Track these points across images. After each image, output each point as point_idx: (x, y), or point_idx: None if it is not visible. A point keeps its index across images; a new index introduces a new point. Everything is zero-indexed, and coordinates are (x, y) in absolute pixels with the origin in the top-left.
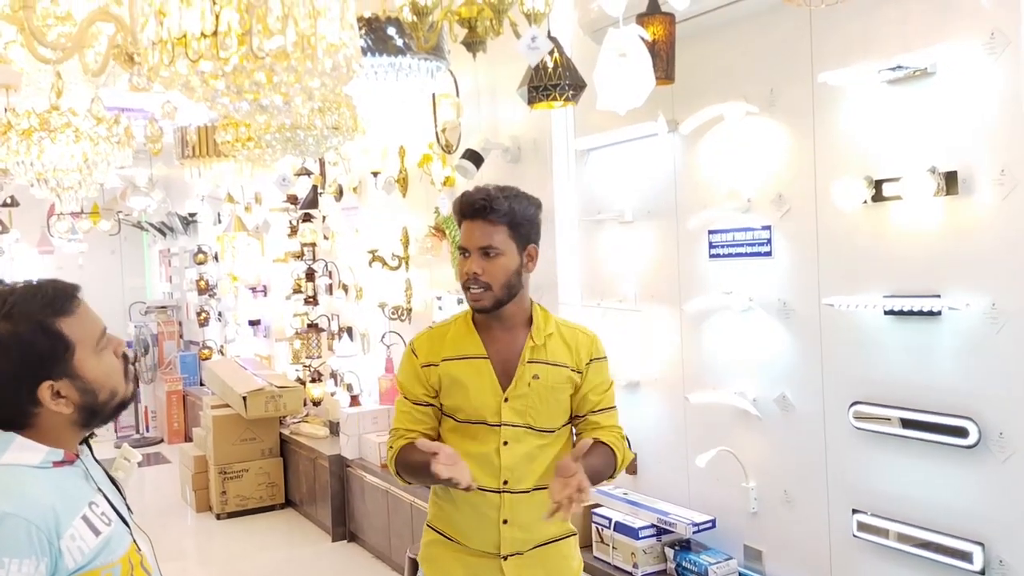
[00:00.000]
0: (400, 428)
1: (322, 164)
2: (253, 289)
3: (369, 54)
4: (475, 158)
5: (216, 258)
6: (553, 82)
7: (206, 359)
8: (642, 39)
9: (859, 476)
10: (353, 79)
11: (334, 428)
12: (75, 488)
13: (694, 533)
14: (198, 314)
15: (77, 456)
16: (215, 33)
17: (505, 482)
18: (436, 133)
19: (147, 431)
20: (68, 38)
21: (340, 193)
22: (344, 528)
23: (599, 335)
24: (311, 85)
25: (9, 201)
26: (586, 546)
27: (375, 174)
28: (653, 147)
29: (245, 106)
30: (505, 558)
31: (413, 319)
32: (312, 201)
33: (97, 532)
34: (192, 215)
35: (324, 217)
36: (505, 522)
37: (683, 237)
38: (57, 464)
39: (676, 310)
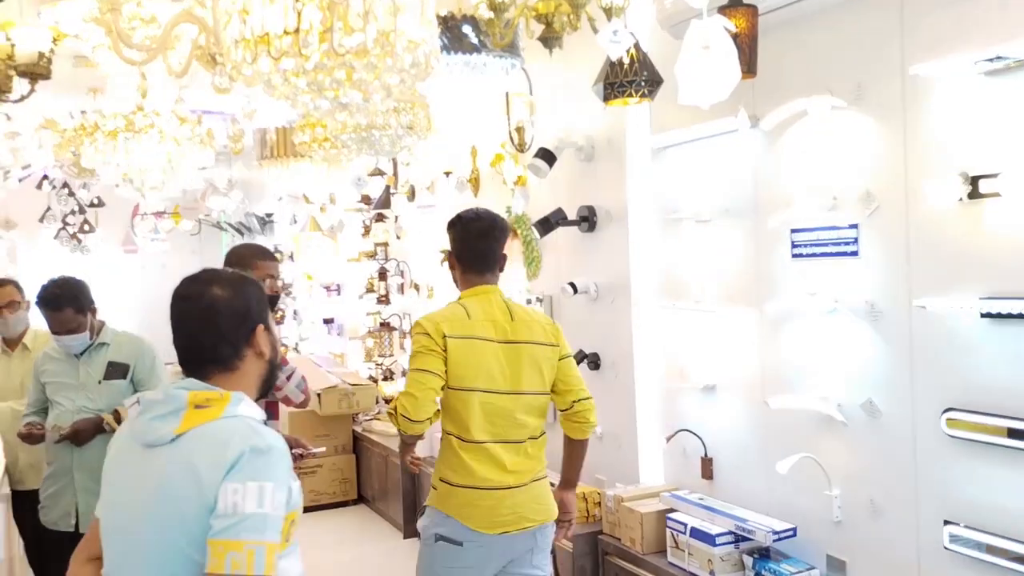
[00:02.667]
0: None
1: (395, 164)
2: (327, 288)
3: (444, 52)
4: (548, 157)
5: (292, 258)
6: (629, 78)
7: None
8: (727, 30)
9: (952, 486)
10: (432, 75)
11: None
12: None
13: (774, 541)
14: (274, 313)
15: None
16: (297, 31)
17: None
18: (509, 132)
19: None
20: (153, 40)
21: (413, 193)
22: (415, 526)
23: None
24: (390, 82)
25: (96, 202)
26: (660, 551)
27: (447, 174)
28: (733, 143)
29: (325, 104)
30: None
31: None
32: (385, 201)
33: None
34: (269, 215)
35: (396, 217)
36: None
37: (763, 236)
38: (260, 423)
39: (755, 312)
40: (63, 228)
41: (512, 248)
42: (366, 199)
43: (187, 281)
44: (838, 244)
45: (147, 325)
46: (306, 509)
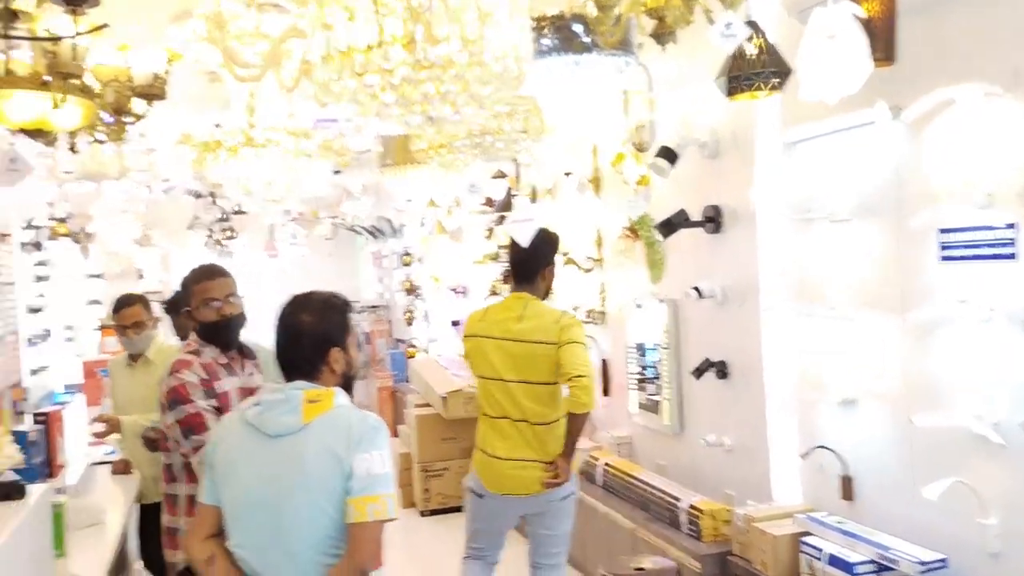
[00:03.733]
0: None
1: (517, 166)
2: (454, 290)
3: (554, 53)
4: (669, 155)
5: (420, 260)
6: (755, 70)
7: (411, 357)
8: (856, 17)
9: None
10: (523, 83)
11: None
12: None
13: (921, 573)
14: (405, 314)
15: None
16: (380, 44)
17: None
18: (628, 131)
19: None
20: (262, 56)
21: (534, 195)
22: None
23: None
24: (481, 92)
25: (238, 209)
26: (795, 575)
27: (568, 175)
28: (872, 137)
29: (416, 119)
30: None
31: (607, 323)
32: (507, 204)
33: None
34: (399, 220)
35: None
36: None
37: (906, 237)
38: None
39: (897, 319)
40: (209, 235)
41: (634, 250)
42: (489, 202)
43: (288, 303)
44: (993, 245)
45: None
46: (433, 511)
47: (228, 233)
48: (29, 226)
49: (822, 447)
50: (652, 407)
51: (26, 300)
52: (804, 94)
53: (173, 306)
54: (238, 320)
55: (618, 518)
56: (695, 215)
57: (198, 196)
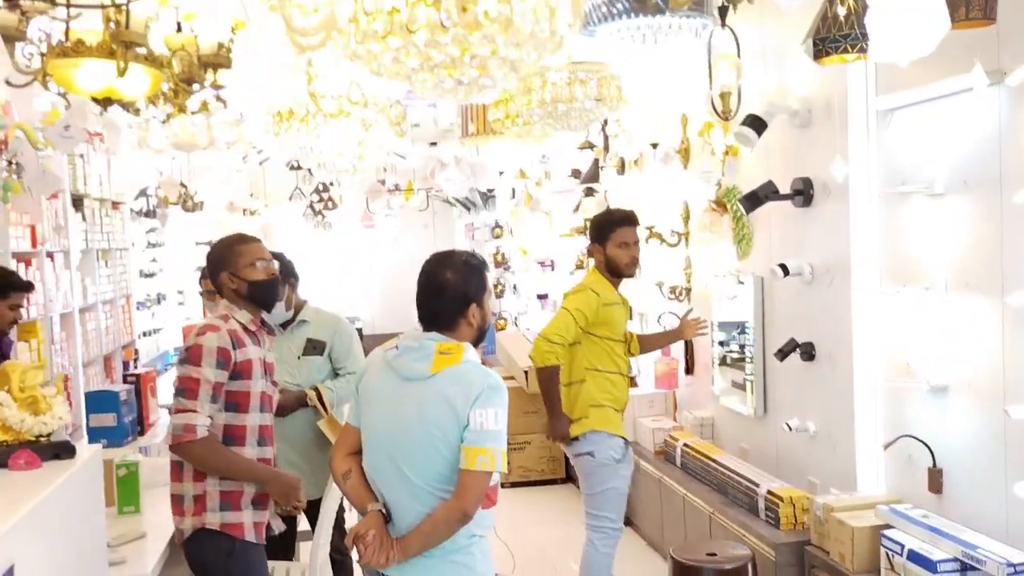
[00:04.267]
0: (566, 341)
1: (605, 137)
2: (541, 263)
3: (625, 15)
4: (757, 124)
5: (511, 232)
6: (843, 32)
7: (501, 330)
8: None
9: None
10: (561, 45)
11: None
12: None
13: (1009, 575)
14: (495, 286)
15: None
16: (407, 4)
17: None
18: (712, 98)
19: None
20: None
21: (622, 166)
22: None
23: None
24: (511, 55)
25: (335, 182)
26: (873, 571)
27: (654, 146)
28: (971, 104)
29: (449, 83)
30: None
31: (693, 299)
32: (593, 175)
33: None
34: (490, 191)
35: (605, 192)
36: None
37: (1010, 213)
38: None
39: (998, 302)
40: (309, 206)
41: (721, 224)
42: (576, 173)
43: (432, 260)
44: None
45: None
46: (513, 484)
47: (328, 204)
48: (142, 194)
49: (909, 436)
50: (737, 388)
51: (139, 265)
52: (875, 55)
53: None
54: (278, 281)
55: (695, 501)
56: (783, 188)
57: (297, 168)
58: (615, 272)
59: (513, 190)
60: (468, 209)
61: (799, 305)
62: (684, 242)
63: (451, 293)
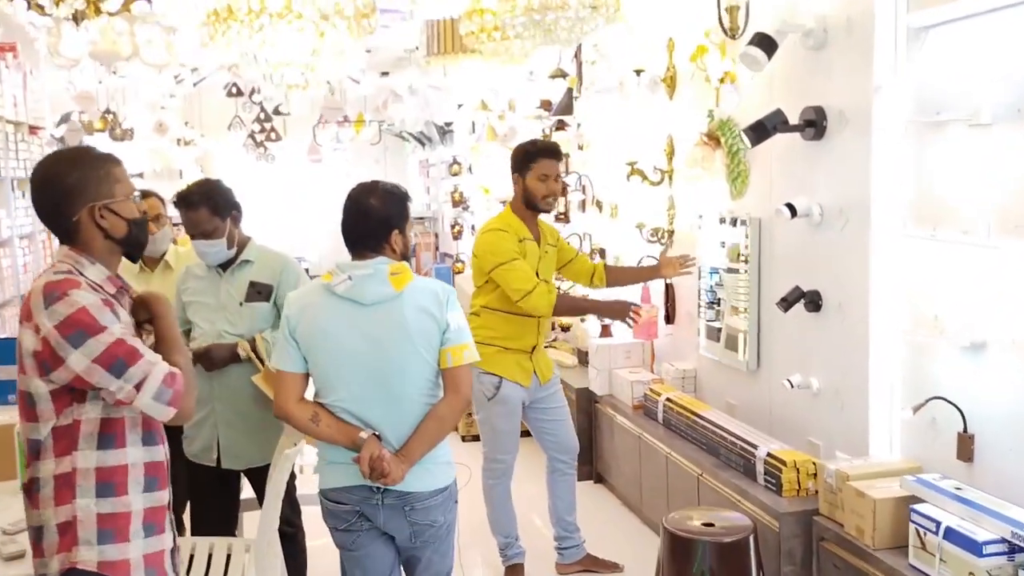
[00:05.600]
0: (539, 278)
1: (579, 65)
2: (504, 203)
3: None
4: (767, 44)
5: (471, 170)
6: None
7: (459, 273)
8: None
9: None
10: None
11: (582, 357)
12: None
13: None
14: (452, 227)
15: None
16: None
17: None
18: (719, 13)
19: None
20: None
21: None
22: (591, 467)
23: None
24: None
25: (280, 110)
26: (898, 547)
27: (638, 72)
28: (1022, 20)
29: None
30: (533, 352)
31: (675, 243)
32: (567, 107)
33: None
34: (448, 124)
35: (579, 124)
36: (539, 334)
37: None
38: None
39: None
40: (250, 136)
41: (713, 160)
42: (546, 105)
43: (356, 188)
44: None
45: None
46: (476, 437)
47: (271, 135)
48: (64, 120)
49: (939, 398)
50: (726, 339)
51: None
52: None
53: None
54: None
55: (681, 461)
56: (791, 118)
57: (236, 93)
58: (531, 206)
59: (473, 123)
60: (423, 144)
61: (804, 250)
62: (668, 180)
63: (375, 218)
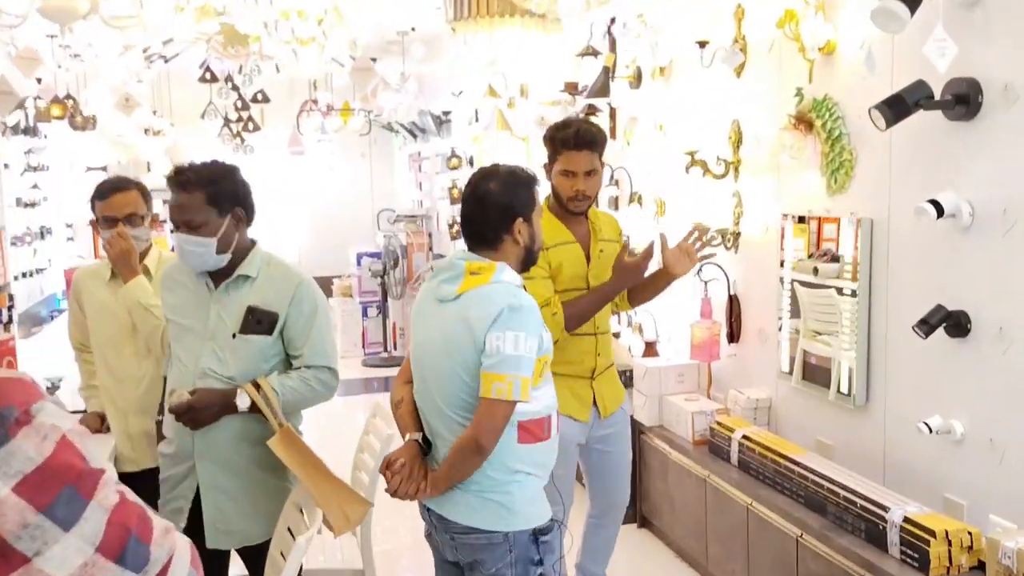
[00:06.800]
0: (546, 297)
1: (613, 42)
2: None
3: None
4: None
5: (471, 163)
6: None
7: None
8: None
9: None
10: None
11: (624, 378)
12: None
13: None
14: (450, 226)
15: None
16: None
17: (597, 327)
18: None
19: (394, 349)
20: None
21: (638, 77)
22: (635, 510)
23: None
24: None
25: (260, 97)
26: None
27: (702, 44)
28: None
29: None
30: (594, 378)
31: (742, 246)
32: (601, 88)
33: (546, 329)
34: (446, 114)
35: (614, 110)
36: (599, 355)
37: None
38: (518, 287)
39: None
40: (226, 125)
41: (804, 148)
42: (572, 88)
43: (477, 172)
44: None
45: (315, 232)
46: None
47: (248, 125)
48: (18, 106)
49: None
50: (819, 365)
51: (15, 192)
52: None
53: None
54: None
55: (771, 516)
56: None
57: (211, 79)
58: (562, 205)
59: (476, 111)
60: (414, 136)
61: (946, 259)
62: (732, 173)
63: (494, 206)
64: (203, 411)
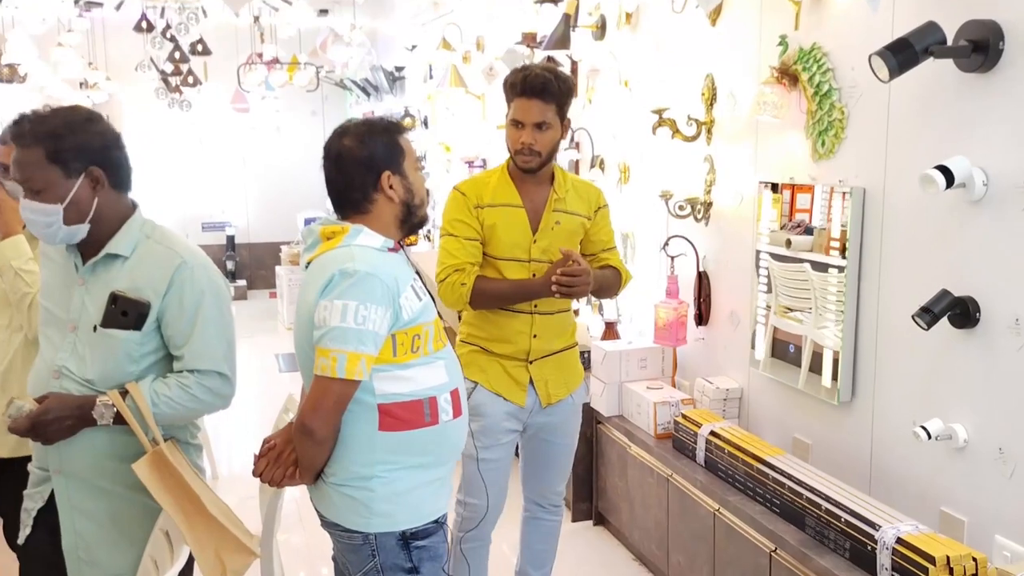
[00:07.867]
0: (462, 262)
1: None
2: (470, 163)
3: None
4: None
5: (425, 123)
6: None
7: (410, 245)
8: None
9: None
10: None
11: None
12: (402, 268)
13: None
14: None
15: (401, 246)
16: None
17: (535, 306)
18: None
19: None
20: None
21: (602, 27)
22: (590, 506)
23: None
24: None
25: (200, 49)
26: None
27: None
28: None
29: None
30: (531, 361)
31: (713, 219)
32: (560, 39)
33: (420, 298)
34: (399, 70)
35: (575, 64)
36: (535, 336)
37: None
38: (390, 250)
39: None
40: (162, 79)
41: (787, 106)
42: (530, 39)
43: (329, 137)
44: None
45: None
46: None
47: (188, 79)
48: None
49: None
50: (794, 355)
51: None
52: None
53: None
54: None
55: (741, 527)
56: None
57: (148, 28)
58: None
59: (430, 67)
60: (367, 95)
61: (952, 236)
62: (705, 135)
63: (353, 162)
64: (52, 424)
